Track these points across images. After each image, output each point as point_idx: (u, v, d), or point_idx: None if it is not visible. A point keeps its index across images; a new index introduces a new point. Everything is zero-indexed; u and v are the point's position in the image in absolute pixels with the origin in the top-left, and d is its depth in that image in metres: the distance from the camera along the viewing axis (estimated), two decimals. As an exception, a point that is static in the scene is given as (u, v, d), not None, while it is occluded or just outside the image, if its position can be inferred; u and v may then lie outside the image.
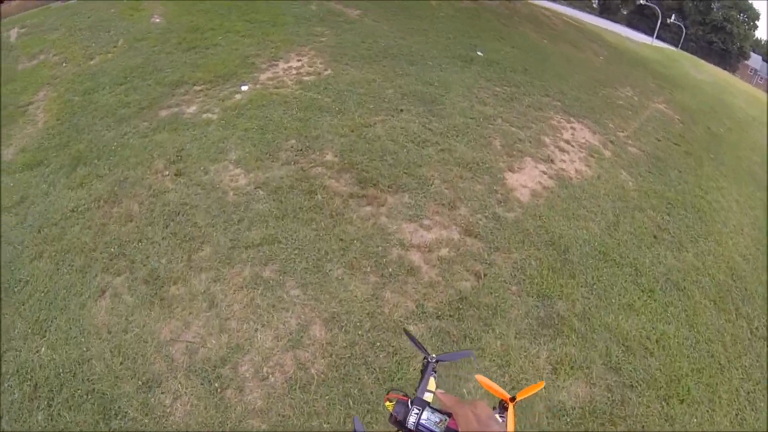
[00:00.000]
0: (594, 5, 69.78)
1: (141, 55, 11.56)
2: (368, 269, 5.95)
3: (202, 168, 7.86)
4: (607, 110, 12.64)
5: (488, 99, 10.96)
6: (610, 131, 11.45)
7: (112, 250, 6.47)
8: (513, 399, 1.76)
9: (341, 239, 6.28)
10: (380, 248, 6.25)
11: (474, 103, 10.55)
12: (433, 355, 2.15)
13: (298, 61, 11.18)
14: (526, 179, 8.57)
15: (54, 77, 11.85)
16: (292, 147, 8.02)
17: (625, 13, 68.72)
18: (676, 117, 15.38)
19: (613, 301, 6.39)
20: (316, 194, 6.93)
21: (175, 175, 7.89)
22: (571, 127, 10.98)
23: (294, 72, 10.65)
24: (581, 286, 6.43)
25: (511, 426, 1.69)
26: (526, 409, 4.72)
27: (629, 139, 11.58)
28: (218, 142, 8.36)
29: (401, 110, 9.57)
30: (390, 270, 5.95)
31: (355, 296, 5.56)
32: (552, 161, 9.34)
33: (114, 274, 5.91)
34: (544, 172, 8.88)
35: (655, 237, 8.19)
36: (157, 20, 13.18)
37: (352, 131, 8.52)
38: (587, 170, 9.44)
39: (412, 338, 2.28)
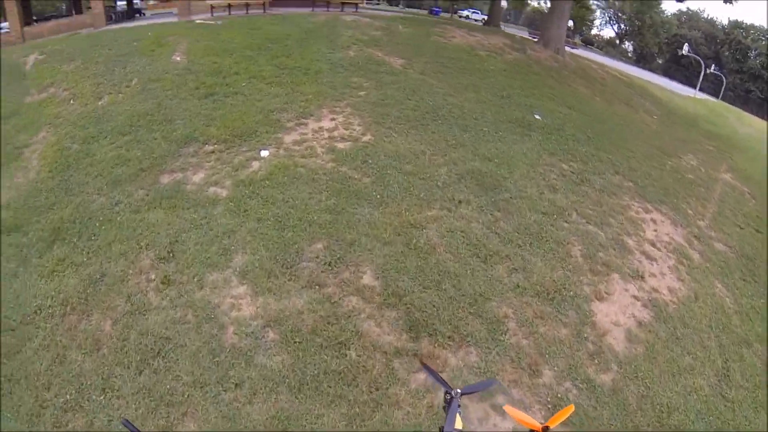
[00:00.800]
0: (630, 54, 66.92)
1: (152, 99, 9.58)
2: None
3: (196, 276, 5.76)
4: (681, 189, 10.32)
5: (557, 181, 8.60)
6: (691, 220, 9.14)
7: (68, 397, 4.82)
8: (546, 429, 1.69)
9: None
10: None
11: (542, 188, 8.27)
12: (457, 390, 2.12)
13: (332, 119, 9.02)
14: (617, 311, 6.24)
15: (58, 116, 10.02)
16: (318, 257, 5.87)
17: (660, 62, 65.69)
18: (746, 190, 12.97)
19: None
20: (349, 350, 4.67)
21: (162, 283, 5.91)
22: (651, 219, 8.73)
23: (326, 135, 8.48)
24: None
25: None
26: None
27: (711, 230, 9.27)
28: (222, 236, 6.21)
29: (459, 201, 7.30)
30: None
31: None
32: (642, 277, 7.04)
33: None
34: (636, 298, 6.63)
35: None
36: (178, 59, 11.19)
37: (398, 234, 6.32)
38: (681, 287, 7.22)
39: (432, 372, 2.27)
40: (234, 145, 8.21)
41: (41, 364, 5.10)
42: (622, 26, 64.89)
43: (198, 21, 14.02)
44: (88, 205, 7.47)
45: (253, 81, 10.16)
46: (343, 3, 17.67)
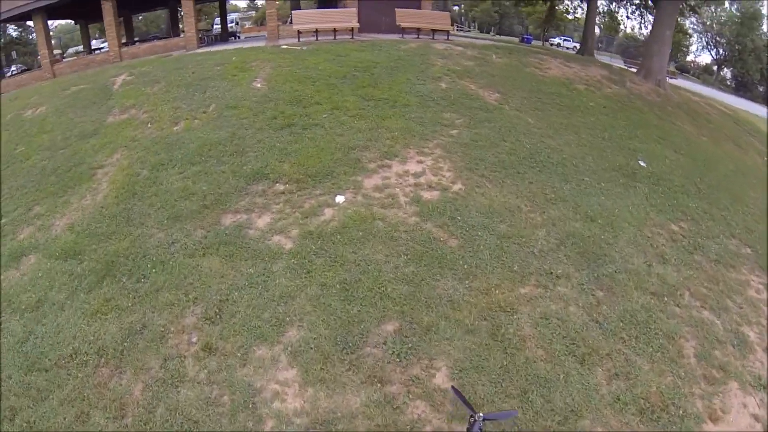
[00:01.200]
0: (728, 82, 61.38)
1: (228, 128, 9.04)
2: None
3: (242, 348, 4.90)
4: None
5: (666, 248, 7.21)
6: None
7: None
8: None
9: None
10: None
11: (650, 257, 6.93)
12: (480, 414, 2.25)
13: (419, 162, 7.97)
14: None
15: (134, 139, 9.78)
16: (386, 342, 4.85)
17: (762, 89, 59.44)
18: None
19: None
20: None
21: (203, 350, 5.05)
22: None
23: (411, 181, 7.45)
24: None
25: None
26: None
27: None
28: (279, 301, 5.29)
29: (558, 276, 6.02)
30: None
31: None
32: (764, 387, 5.28)
33: None
34: (756, 418, 5.11)
35: None
36: (258, 85, 10.67)
37: (484, 319, 5.17)
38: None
39: (459, 395, 2.43)
40: (307, 187, 7.35)
41: (64, 419, 4.72)
42: (721, 51, 59.64)
43: (284, 46, 13.65)
44: (145, 240, 6.98)
45: (335, 112, 9.35)
46: (434, 30, 16.79)
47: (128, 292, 6.08)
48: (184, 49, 19.01)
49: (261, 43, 17.24)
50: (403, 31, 16.48)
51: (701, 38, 59.72)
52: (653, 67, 16.91)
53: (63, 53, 43.90)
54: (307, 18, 16.54)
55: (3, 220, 8.15)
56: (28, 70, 31.61)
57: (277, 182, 7.49)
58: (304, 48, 13.15)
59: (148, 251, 6.74)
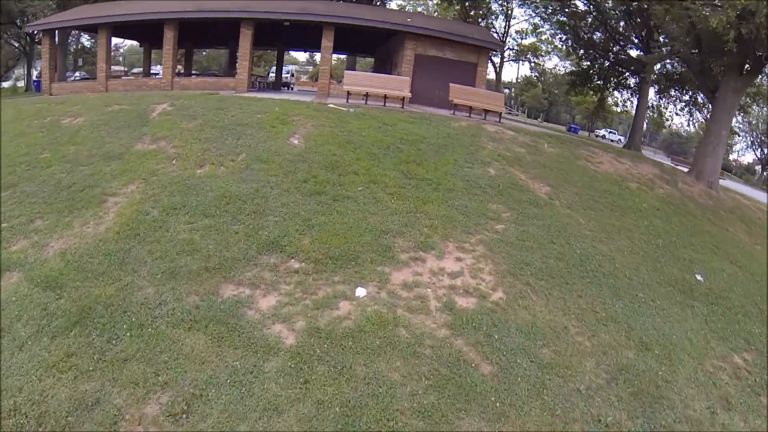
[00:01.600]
0: None
1: (253, 182, 8.35)
2: None
3: None
4: None
5: (730, 387, 6.20)
6: None
7: None
8: None
9: None
10: None
11: (713, 400, 5.84)
12: None
13: (458, 260, 7.07)
14: None
15: (155, 173, 9.22)
16: None
17: None
18: None
19: None
20: None
21: None
22: None
23: (446, 281, 6.53)
24: None
25: None
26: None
27: None
28: (262, 412, 4.55)
29: (607, 425, 5.06)
30: None
31: None
32: None
33: None
34: None
35: None
36: (295, 141, 10.08)
37: None
38: None
39: None
40: (325, 270, 6.45)
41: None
42: (765, 151, 58.14)
43: (331, 105, 13.24)
44: (132, 292, 6.20)
45: (371, 187, 8.58)
46: (486, 111, 16.29)
47: (94, 351, 5.24)
48: (234, 90, 19.02)
49: (310, 98, 17.05)
50: (455, 107, 16.05)
51: (746, 137, 58.69)
52: (706, 167, 16.07)
53: (127, 71, 45.72)
54: (359, 80, 16.30)
55: (4, 225, 7.68)
56: (88, 79, 32.66)
57: (292, 257, 6.61)
58: (351, 110, 12.68)
59: (130, 307, 5.92)
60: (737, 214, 14.63)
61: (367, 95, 14.91)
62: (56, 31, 23.99)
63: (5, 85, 43.64)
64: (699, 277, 9.25)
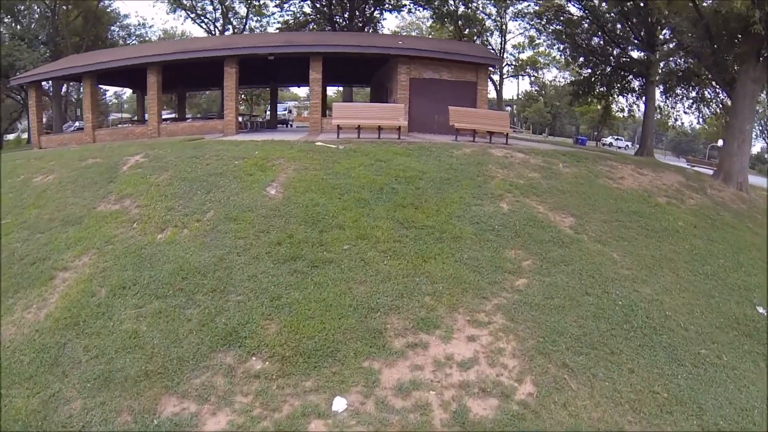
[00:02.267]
0: None
1: (217, 248, 6.94)
2: None
3: None
4: None
5: None
6: None
7: None
8: None
9: None
10: None
11: None
12: None
13: (470, 340, 5.46)
14: None
15: (111, 240, 8.05)
16: None
17: None
18: None
19: None
20: None
21: None
22: None
23: (456, 377, 4.95)
24: None
25: None
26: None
27: None
28: None
29: None
30: None
31: None
32: None
33: None
34: None
35: None
36: (272, 191, 8.58)
37: None
38: None
39: None
40: (294, 371, 4.85)
41: None
42: None
43: (319, 142, 11.69)
44: (57, 407, 4.89)
45: (359, 244, 6.95)
46: (490, 133, 14.70)
47: None
48: (221, 132, 17.69)
49: (302, 135, 15.60)
50: (457, 132, 14.43)
51: (756, 126, 55.92)
52: (733, 168, 14.22)
53: (132, 119, 44.97)
54: (349, 112, 14.69)
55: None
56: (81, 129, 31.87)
57: (253, 355, 5.01)
58: (341, 147, 11.14)
59: (52, 427, 4.61)
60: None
61: (359, 128, 13.37)
62: (42, 83, 23.07)
63: (10, 137, 43.26)
64: (761, 310, 7.54)
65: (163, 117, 32.58)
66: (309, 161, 9.92)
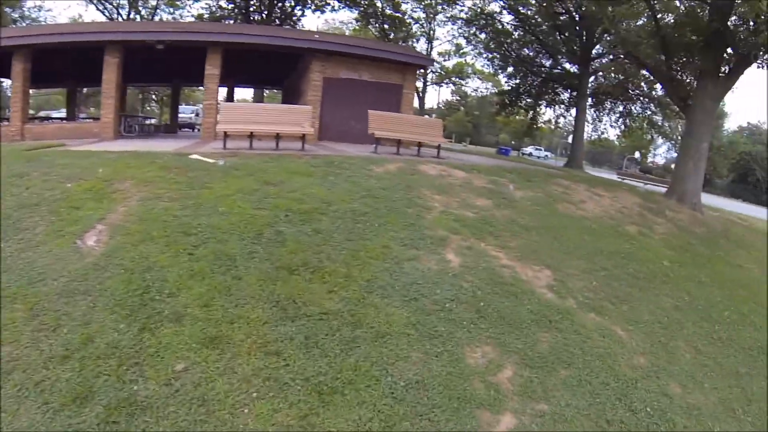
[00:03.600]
0: None
1: None
2: None
3: None
4: None
5: None
6: None
7: None
8: None
9: None
10: None
11: None
12: None
13: None
14: None
15: None
16: None
17: (718, 181, 57.06)
18: None
19: None
20: None
21: None
22: None
23: None
24: None
25: None
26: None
27: None
28: None
29: None
30: None
31: None
32: None
33: None
34: None
35: None
36: (91, 242, 5.40)
37: None
38: None
39: None
40: None
41: None
42: None
43: (195, 156, 8.38)
44: None
45: (206, 356, 3.87)
46: (419, 144, 12.08)
47: None
48: (96, 137, 13.82)
49: (192, 142, 12.12)
50: (377, 141, 11.51)
51: (663, 141, 58.00)
52: (688, 188, 13.16)
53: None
54: (239, 115, 11.18)
55: None
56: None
57: None
58: (220, 163, 7.92)
59: None
60: (733, 240, 11.29)
61: (251, 135, 10.17)
62: None
63: None
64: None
65: (52, 116, 27.50)
66: (167, 185, 6.63)
